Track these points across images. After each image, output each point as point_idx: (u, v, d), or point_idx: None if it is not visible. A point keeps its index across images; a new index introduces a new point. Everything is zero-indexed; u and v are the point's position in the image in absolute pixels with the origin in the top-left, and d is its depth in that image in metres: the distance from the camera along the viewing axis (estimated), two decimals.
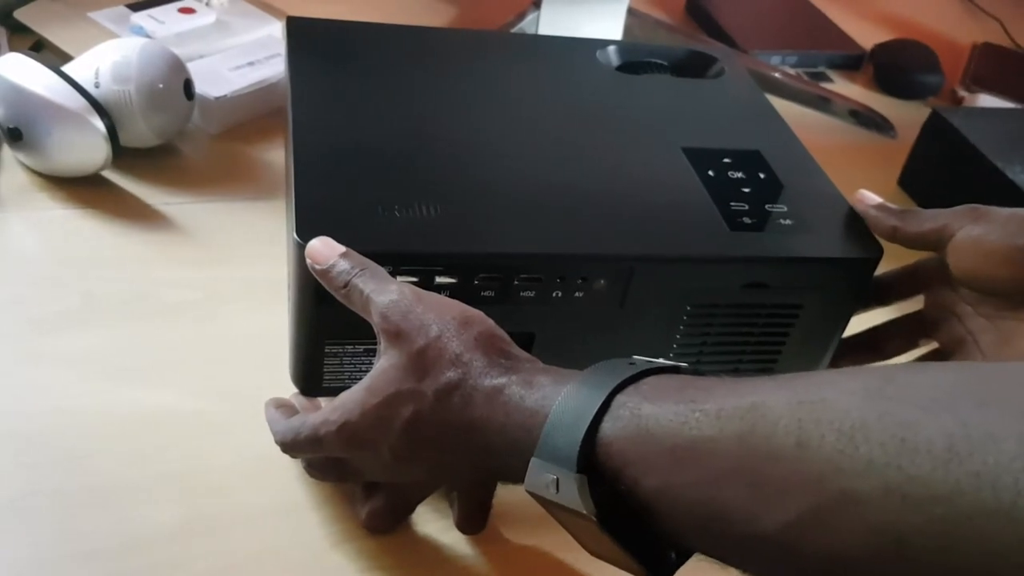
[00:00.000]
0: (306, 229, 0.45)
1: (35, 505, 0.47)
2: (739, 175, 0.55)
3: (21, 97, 0.65)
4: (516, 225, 0.49)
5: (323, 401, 0.51)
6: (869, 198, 0.53)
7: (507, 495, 0.48)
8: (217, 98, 0.76)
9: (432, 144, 0.54)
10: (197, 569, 0.46)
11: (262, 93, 0.79)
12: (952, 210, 0.49)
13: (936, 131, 0.87)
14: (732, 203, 0.53)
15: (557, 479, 0.35)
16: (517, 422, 0.37)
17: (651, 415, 0.34)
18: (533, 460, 0.36)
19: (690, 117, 0.61)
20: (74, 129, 0.65)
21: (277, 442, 0.47)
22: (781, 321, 0.53)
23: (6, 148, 0.71)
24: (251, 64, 0.80)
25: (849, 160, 0.91)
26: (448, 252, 0.46)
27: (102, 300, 0.60)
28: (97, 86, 0.67)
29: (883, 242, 0.52)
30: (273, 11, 0.92)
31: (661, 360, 0.38)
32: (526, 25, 0.96)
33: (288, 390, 0.52)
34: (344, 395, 0.43)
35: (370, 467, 0.44)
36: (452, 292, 0.46)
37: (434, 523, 0.50)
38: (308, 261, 0.44)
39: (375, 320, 0.42)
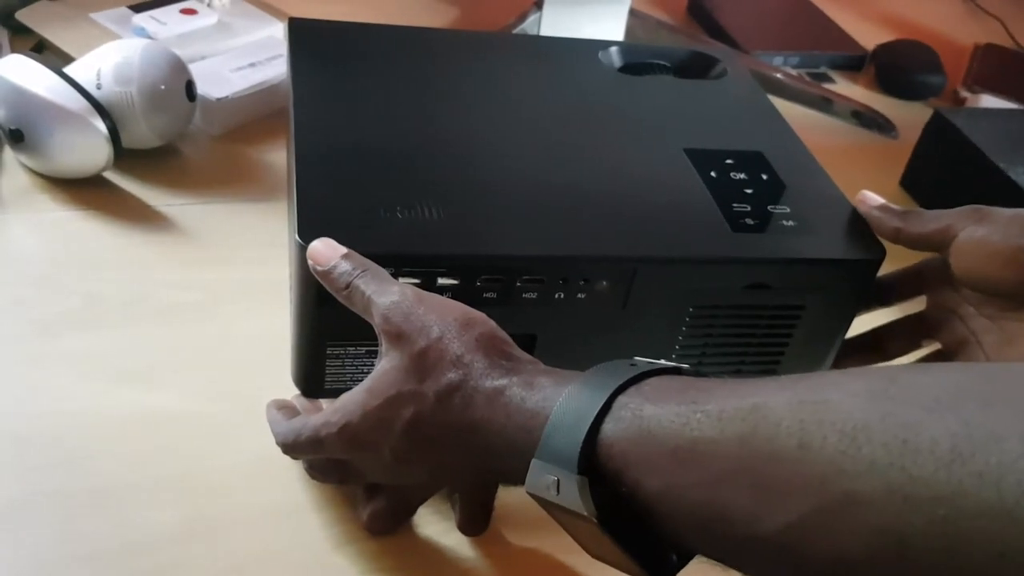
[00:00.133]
0: (308, 230, 0.45)
1: (36, 506, 0.47)
2: (741, 176, 0.55)
3: (23, 98, 0.65)
4: (518, 226, 0.49)
5: (325, 403, 0.51)
6: (871, 199, 0.53)
7: (509, 497, 0.48)
8: (219, 99, 0.76)
9: (434, 145, 0.54)
10: (198, 570, 0.46)
11: (264, 94, 0.79)
12: (955, 211, 0.49)
13: (938, 132, 0.87)
14: (734, 204, 0.53)
15: (558, 480, 0.35)
16: (518, 423, 0.37)
17: (652, 416, 0.34)
18: (534, 461, 0.36)
19: (692, 118, 0.61)
20: (76, 130, 0.65)
21: (278, 443, 0.47)
22: (784, 322, 0.53)
23: (7, 149, 0.71)
24: (253, 65, 0.80)
25: (851, 161, 0.91)
26: (450, 254, 0.46)
27: (103, 301, 0.60)
28: (99, 87, 0.67)
29: (885, 243, 0.52)
30: (275, 12, 0.92)
31: (663, 361, 0.38)
32: (528, 26, 0.96)
33: (290, 391, 0.52)
34: (345, 396, 0.43)
35: (371, 469, 0.44)
36: (454, 294, 0.46)
37: (436, 525, 0.50)
38: (310, 262, 0.44)
39: (376, 321, 0.42)
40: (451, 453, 0.40)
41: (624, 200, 0.52)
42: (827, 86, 1.05)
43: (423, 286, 0.45)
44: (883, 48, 1.11)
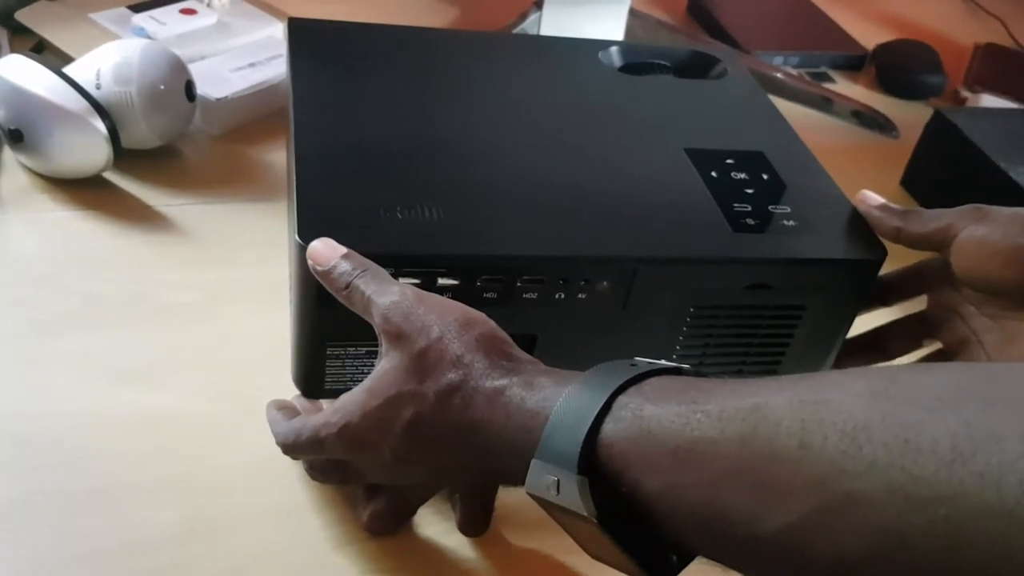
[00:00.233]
0: (308, 230, 0.45)
1: (35, 506, 0.47)
2: (742, 176, 0.55)
3: (22, 99, 0.65)
4: (519, 227, 0.49)
5: (325, 403, 0.51)
6: (872, 199, 0.53)
7: (509, 497, 0.48)
8: (218, 99, 0.76)
9: (434, 145, 0.54)
10: (198, 571, 0.46)
11: (263, 94, 0.79)
12: (955, 210, 0.49)
13: (939, 131, 0.87)
14: (735, 204, 0.53)
15: (558, 481, 0.35)
16: (518, 423, 0.37)
17: (653, 416, 0.33)
18: (534, 462, 0.36)
19: (693, 118, 0.61)
20: (75, 131, 0.65)
21: (278, 444, 0.47)
22: (784, 322, 0.53)
23: (7, 150, 0.71)
24: (252, 65, 0.80)
25: (852, 161, 0.91)
26: (450, 254, 0.46)
27: (103, 301, 0.60)
28: (98, 87, 0.67)
29: (886, 242, 0.52)
30: (274, 12, 0.92)
31: (663, 361, 0.38)
32: (528, 26, 0.96)
33: (290, 391, 0.51)
34: (345, 397, 0.43)
35: (371, 469, 0.44)
36: (454, 294, 0.46)
37: (436, 525, 0.50)
38: (309, 262, 0.44)
39: (376, 322, 0.42)
40: (451, 453, 0.40)
41: (625, 200, 0.52)
42: (827, 86, 1.05)
43: (423, 286, 0.45)
44: (883, 48, 1.11)
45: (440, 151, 0.53)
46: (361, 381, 0.43)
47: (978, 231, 0.48)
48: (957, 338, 0.51)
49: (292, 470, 0.50)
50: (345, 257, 0.43)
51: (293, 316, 0.49)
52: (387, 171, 0.50)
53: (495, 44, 0.69)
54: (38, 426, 0.51)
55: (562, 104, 0.60)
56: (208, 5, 0.90)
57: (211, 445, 0.52)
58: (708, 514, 0.31)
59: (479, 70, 0.62)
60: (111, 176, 0.71)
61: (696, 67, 0.68)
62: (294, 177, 0.49)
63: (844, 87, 1.07)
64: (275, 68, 0.81)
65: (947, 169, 0.86)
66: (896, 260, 0.53)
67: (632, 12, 0.96)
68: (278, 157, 0.76)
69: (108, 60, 0.68)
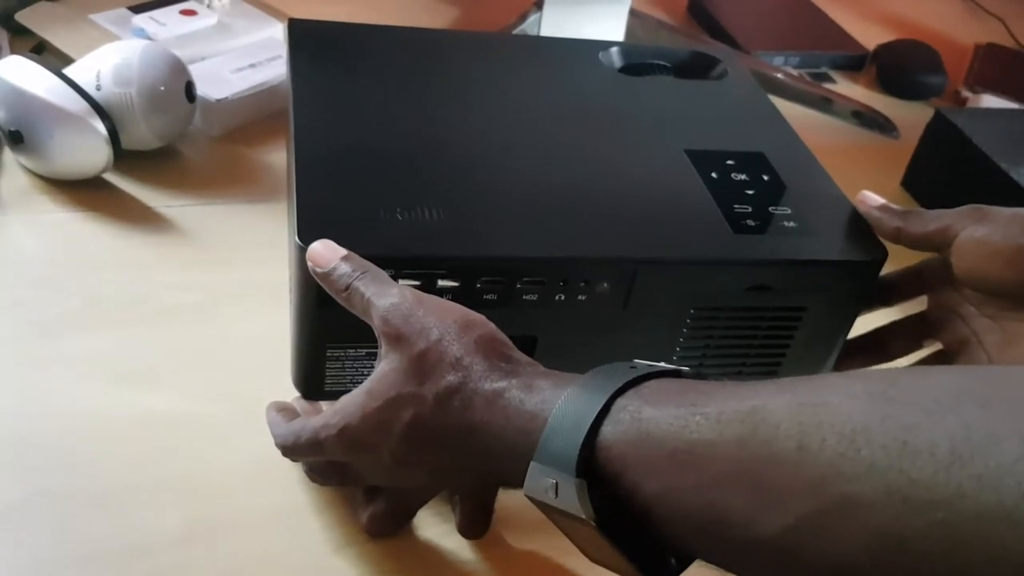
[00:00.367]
0: (307, 232, 0.45)
1: (35, 508, 0.47)
2: (742, 177, 0.55)
3: (22, 100, 0.65)
4: (519, 228, 0.49)
5: (324, 405, 0.51)
6: (872, 199, 0.53)
7: (509, 499, 0.48)
8: (218, 100, 0.76)
9: (434, 146, 0.53)
10: (198, 572, 0.46)
11: (264, 95, 0.79)
12: (955, 211, 0.49)
13: (939, 132, 0.86)
14: (735, 205, 0.53)
15: (556, 483, 0.35)
16: (517, 426, 0.37)
17: (651, 419, 0.33)
18: (532, 464, 0.36)
19: (693, 119, 0.61)
20: (75, 132, 0.65)
21: (278, 445, 0.47)
22: (785, 324, 0.53)
23: (7, 151, 0.71)
24: (252, 66, 0.80)
25: (852, 161, 0.91)
26: (450, 255, 0.46)
27: (103, 303, 0.60)
28: (98, 89, 0.67)
29: (886, 243, 0.52)
30: (274, 13, 0.92)
31: (662, 364, 0.38)
32: (528, 26, 0.96)
33: (290, 393, 0.51)
34: (344, 399, 0.43)
35: (371, 471, 0.44)
36: (454, 296, 0.46)
37: (436, 527, 0.50)
38: (309, 264, 0.44)
39: (376, 324, 0.42)
40: (450, 455, 0.40)
41: (625, 201, 0.52)
42: (828, 86, 1.05)
43: (423, 288, 0.45)
44: (884, 48, 1.11)
45: (440, 152, 0.53)
46: (361, 383, 0.43)
47: (978, 231, 0.48)
48: (957, 339, 0.51)
49: (292, 472, 0.50)
50: (345, 259, 0.43)
51: (293, 317, 0.49)
52: (387, 172, 0.50)
53: (495, 45, 0.69)
54: (38, 427, 0.51)
55: (562, 105, 0.60)
56: (208, 6, 0.90)
57: (211, 446, 0.52)
58: (706, 516, 0.31)
59: (479, 71, 0.62)
60: (111, 177, 0.71)
61: (696, 68, 0.68)
62: (294, 178, 0.49)
63: (844, 87, 1.07)
64: (275, 69, 0.81)
65: (948, 169, 0.86)
66: (896, 261, 0.53)
67: (632, 12, 0.96)
68: (278, 158, 0.76)
69: (108, 61, 0.68)
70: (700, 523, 0.32)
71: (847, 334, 0.55)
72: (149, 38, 0.83)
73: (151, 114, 0.69)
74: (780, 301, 0.52)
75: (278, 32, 0.89)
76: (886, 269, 0.52)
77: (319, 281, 0.44)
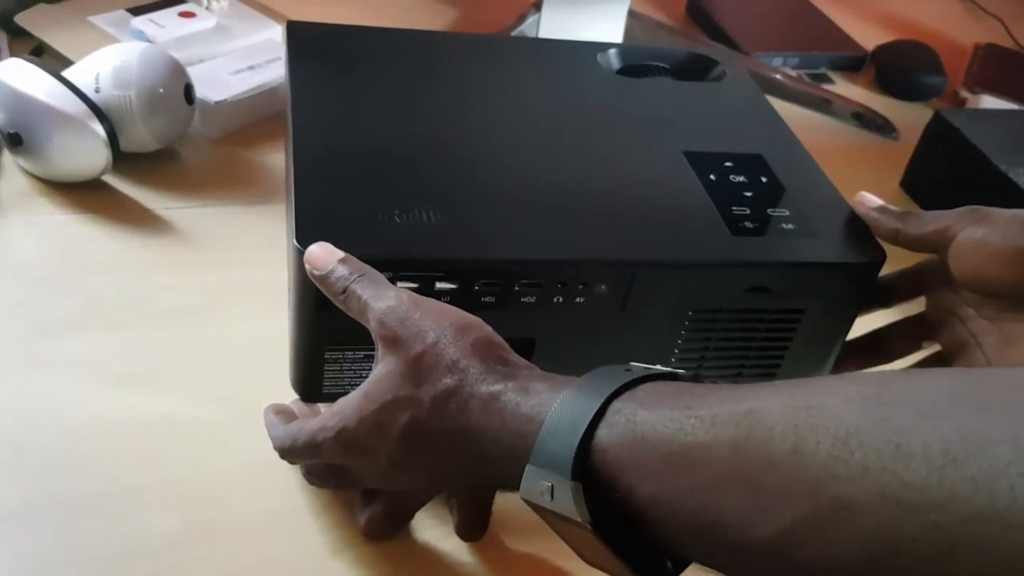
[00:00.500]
0: (306, 235, 0.45)
1: (35, 510, 0.47)
2: (741, 179, 0.55)
3: (21, 102, 0.65)
4: (517, 230, 0.49)
5: (323, 407, 0.51)
6: (870, 200, 0.53)
7: (506, 501, 0.48)
8: (217, 102, 0.76)
9: (432, 148, 0.53)
10: (197, 575, 0.46)
11: (262, 97, 0.79)
12: (954, 212, 0.49)
13: (938, 133, 0.86)
14: (734, 207, 0.53)
15: (552, 486, 0.35)
16: (513, 429, 0.37)
17: (646, 421, 0.33)
18: (528, 467, 0.36)
19: (691, 120, 0.61)
20: (74, 134, 0.65)
21: (276, 448, 0.47)
22: (783, 326, 0.53)
23: (6, 153, 0.71)
24: (251, 68, 0.80)
25: (851, 162, 0.91)
26: (448, 258, 0.46)
27: (102, 305, 0.60)
28: (97, 91, 0.67)
29: (885, 244, 0.52)
30: (273, 15, 0.92)
31: (658, 366, 0.38)
32: (526, 28, 0.96)
33: (288, 395, 0.51)
34: (342, 401, 0.43)
35: (368, 474, 0.44)
36: (452, 298, 0.46)
37: (434, 529, 0.50)
38: (307, 266, 0.44)
39: (373, 326, 0.42)
40: (447, 458, 0.40)
41: (623, 203, 0.52)
42: (827, 87, 1.05)
43: (421, 290, 0.45)
44: (883, 48, 1.11)
45: (438, 154, 0.53)
46: (359, 385, 0.43)
47: (977, 233, 0.47)
48: (956, 340, 0.51)
49: (290, 474, 0.50)
50: (342, 261, 0.43)
51: (291, 320, 0.49)
52: (385, 174, 0.50)
53: (494, 46, 0.69)
54: (37, 429, 0.51)
55: (560, 107, 0.60)
56: (207, 8, 0.90)
57: (209, 448, 0.52)
58: (702, 519, 0.31)
59: (477, 73, 0.62)
60: (110, 179, 0.71)
61: (695, 69, 0.68)
62: (292, 180, 0.49)
63: (843, 88, 1.07)
64: (274, 71, 0.81)
65: (947, 170, 0.86)
66: (895, 262, 0.53)
67: (631, 14, 0.96)
68: (277, 160, 0.76)
69: (107, 63, 0.68)
70: (695, 526, 0.32)
71: (846, 336, 0.55)
72: (148, 40, 0.83)
73: (150, 116, 0.69)
74: (778, 303, 0.51)
75: (277, 34, 0.89)
76: (885, 270, 0.52)
77: (317, 284, 0.44)
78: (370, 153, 0.52)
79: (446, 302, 0.43)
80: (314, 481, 0.49)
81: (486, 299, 0.47)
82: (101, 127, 0.65)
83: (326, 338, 0.48)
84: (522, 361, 0.41)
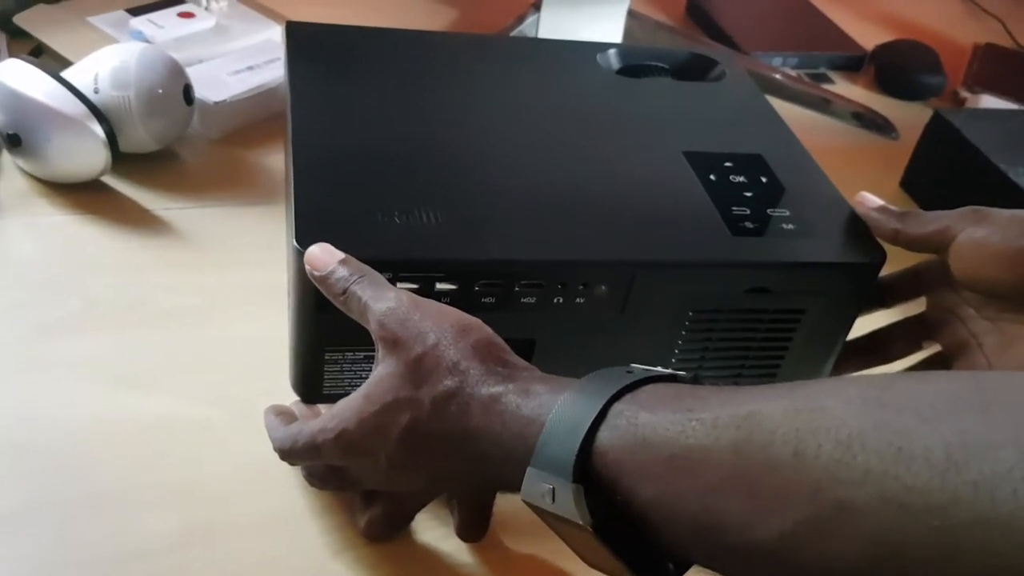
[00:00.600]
0: (305, 235, 0.45)
1: (34, 512, 0.47)
2: (741, 179, 0.55)
3: (20, 103, 0.65)
4: (517, 231, 0.49)
5: (323, 408, 0.51)
6: (870, 200, 0.53)
7: (507, 503, 0.48)
8: (216, 103, 0.76)
9: (432, 149, 0.53)
10: None
11: (262, 98, 0.79)
12: (954, 212, 0.49)
13: (938, 132, 0.86)
14: (734, 208, 0.53)
15: (553, 489, 0.34)
16: (513, 431, 0.37)
17: (647, 424, 0.33)
18: (529, 469, 0.36)
19: (691, 121, 0.61)
20: (73, 135, 0.65)
21: (276, 449, 0.47)
22: (784, 326, 0.53)
23: (5, 154, 0.71)
24: (251, 68, 0.80)
25: (851, 162, 0.91)
26: (448, 259, 0.46)
27: (102, 306, 0.60)
28: (96, 92, 0.67)
29: (885, 244, 0.52)
30: (272, 15, 0.92)
31: (659, 368, 0.38)
32: (526, 28, 0.96)
33: (288, 396, 0.51)
34: (342, 403, 0.43)
35: (368, 475, 0.44)
36: (453, 299, 0.46)
37: (434, 531, 0.50)
38: (307, 267, 0.44)
39: (373, 328, 0.42)
40: (447, 460, 0.40)
41: (623, 204, 0.52)
42: (826, 87, 1.05)
43: (421, 291, 0.45)
44: (883, 48, 1.11)
45: (438, 155, 0.53)
46: (359, 386, 0.43)
47: (977, 233, 0.47)
48: (956, 340, 0.51)
49: (290, 476, 0.50)
50: (342, 262, 0.43)
51: (291, 321, 0.49)
52: (385, 175, 0.50)
53: (493, 47, 0.69)
54: (37, 430, 0.51)
55: (560, 107, 0.60)
56: (206, 8, 0.89)
57: (209, 450, 0.52)
58: (703, 522, 0.31)
59: (477, 73, 0.62)
60: (109, 180, 0.70)
61: (694, 69, 0.68)
62: (292, 181, 0.49)
63: (843, 88, 1.07)
64: (273, 71, 0.81)
65: (947, 170, 0.85)
66: (895, 262, 0.53)
67: (630, 14, 0.96)
68: (276, 160, 0.76)
69: (106, 64, 0.68)
70: (696, 528, 0.32)
71: (846, 336, 0.54)
72: (147, 41, 0.82)
73: (149, 117, 0.69)
74: (779, 303, 0.51)
75: (276, 34, 0.89)
76: (885, 271, 0.52)
77: (317, 285, 0.44)
78: (370, 153, 0.52)
79: (446, 303, 0.43)
80: (314, 483, 0.48)
81: (486, 300, 0.47)
82: (100, 128, 0.65)
83: (326, 339, 0.48)
84: (522, 363, 0.41)
